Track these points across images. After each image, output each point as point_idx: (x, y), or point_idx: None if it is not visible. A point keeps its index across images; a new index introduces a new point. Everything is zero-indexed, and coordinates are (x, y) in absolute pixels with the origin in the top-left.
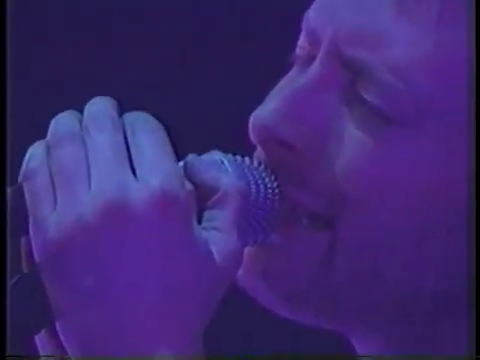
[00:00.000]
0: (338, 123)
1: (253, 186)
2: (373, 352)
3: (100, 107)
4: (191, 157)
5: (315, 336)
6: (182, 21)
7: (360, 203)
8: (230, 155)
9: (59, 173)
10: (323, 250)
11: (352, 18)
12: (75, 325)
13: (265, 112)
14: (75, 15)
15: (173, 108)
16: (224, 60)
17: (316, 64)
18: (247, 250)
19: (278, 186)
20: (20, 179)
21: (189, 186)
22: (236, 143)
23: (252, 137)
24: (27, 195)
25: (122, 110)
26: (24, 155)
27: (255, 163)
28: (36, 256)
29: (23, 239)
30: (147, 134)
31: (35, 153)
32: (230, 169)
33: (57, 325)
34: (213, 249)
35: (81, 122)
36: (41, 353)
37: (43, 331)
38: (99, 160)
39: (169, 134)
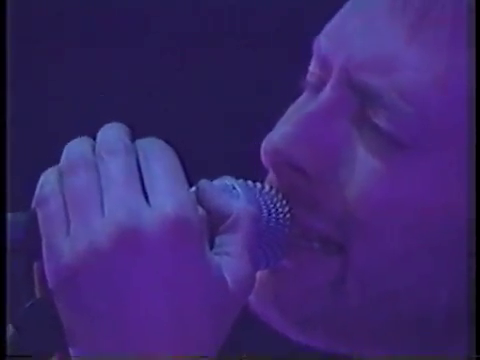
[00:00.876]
0: (349, 148)
1: (265, 211)
2: None
3: (113, 133)
4: (203, 182)
5: None
6: (186, 25)
7: (372, 227)
8: (241, 180)
9: (72, 199)
10: (335, 275)
11: (362, 44)
12: (87, 350)
13: (277, 137)
14: (75, 16)
15: (187, 128)
16: (236, 75)
17: (327, 90)
18: (258, 275)
19: (289, 211)
20: (33, 205)
21: (201, 211)
22: (248, 164)
23: (264, 161)
24: (40, 221)
25: (126, 115)
26: (24, 157)
27: (267, 188)
28: (49, 281)
29: (36, 264)
30: (159, 160)
31: (48, 179)
32: (241, 194)
33: (70, 350)
34: (225, 274)
35: (94, 148)
36: None
37: (56, 356)
38: (112, 186)
39: (181, 159)
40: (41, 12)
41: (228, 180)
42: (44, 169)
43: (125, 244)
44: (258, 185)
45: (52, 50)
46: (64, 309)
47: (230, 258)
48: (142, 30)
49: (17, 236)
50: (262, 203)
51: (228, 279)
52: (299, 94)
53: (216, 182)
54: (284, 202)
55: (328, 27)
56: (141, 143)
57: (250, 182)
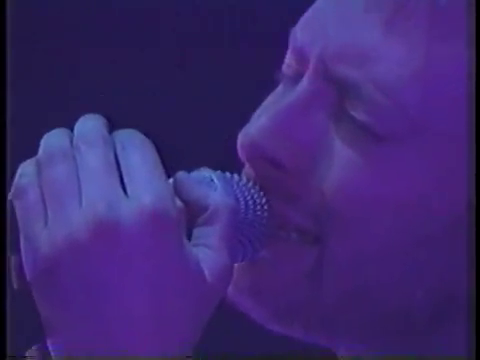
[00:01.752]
0: (326, 141)
1: (242, 203)
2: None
3: (91, 125)
4: (180, 174)
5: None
6: (185, 25)
7: (349, 220)
8: (219, 172)
9: (50, 190)
10: (310, 266)
11: (339, 36)
12: (65, 341)
13: (253, 130)
14: (75, 17)
15: (164, 120)
16: (218, 73)
17: (304, 82)
18: (236, 265)
19: (267, 203)
20: (10, 196)
21: (179, 203)
22: (226, 159)
23: (240, 154)
24: (18, 212)
25: (121, 114)
26: (24, 157)
27: (244, 180)
28: (27, 272)
29: (13, 256)
30: (137, 152)
31: (26, 170)
32: (219, 186)
33: (47, 341)
34: (203, 266)
35: (72, 140)
36: None
37: (33, 347)
38: (90, 178)
39: (159, 151)
40: (41, 13)
41: (206, 172)
42: None
43: (103, 236)
44: (236, 177)
45: (52, 50)
46: (41, 300)
47: (208, 250)
48: (141, 30)
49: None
50: (240, 195)
51: (206, 271)
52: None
53: (194, 174)
54: (261, 194)
55: (304, 19)
56: (119, 135)
57: (228, 174)
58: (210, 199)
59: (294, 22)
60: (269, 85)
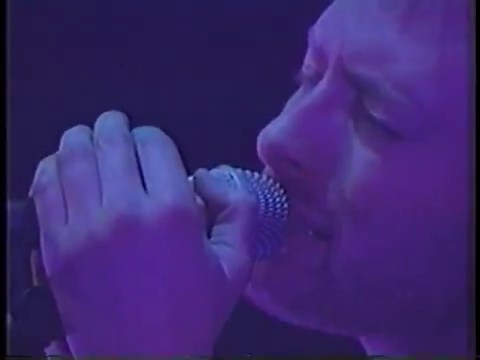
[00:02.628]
0: (346, 140)
1: (262, 200)
2: (378, 353)
3: (111, 122)
4: (201, 172)
5: (314, 337)
6: (184, 25)
7: (368, 218)
8: (239, 170)
9: (71, 188)
10: (325, 261)
11: (356, 35)
12: (85, 339)
13: (273, 130)
14: (76, 17)
15: (183, 118)
16: (237, 73)
17: (323, 82)
18: None
19: (287, 200)
20: (31, 193)
21: (199, 201)
22: (247, 157)
23: (260, 155)
24: (39, 209)
25: (130, 114)
26: (24, 157)
27: (264, 177)
28: (47, 270)
29: (33, 253)
30: (158, 149)
31: (46, 167)
32: (239, 184)
33: (67, 339)
34: (223, 264)
35: (92, 137)
36: None
37: (52, 344)
38: (110, 175)
39: (179, 149)
40: (41, 12)
41: (226, 169)
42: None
43: (124, 234)
44: (256, 175)
45: (52, 50)
46: (62, 298)
47: (228, 248)
48: (148, 34)
49: (15, 225)
50: (259, 193)
51: (226, 269)
52: (295, 88)
53: (214, 171)
54: (281, 192)
55: (322, 18)
56: (139, 132)
57: (248, 172)
58: (230, 196)
59: (312, 22)
60: (287, 86)
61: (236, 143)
